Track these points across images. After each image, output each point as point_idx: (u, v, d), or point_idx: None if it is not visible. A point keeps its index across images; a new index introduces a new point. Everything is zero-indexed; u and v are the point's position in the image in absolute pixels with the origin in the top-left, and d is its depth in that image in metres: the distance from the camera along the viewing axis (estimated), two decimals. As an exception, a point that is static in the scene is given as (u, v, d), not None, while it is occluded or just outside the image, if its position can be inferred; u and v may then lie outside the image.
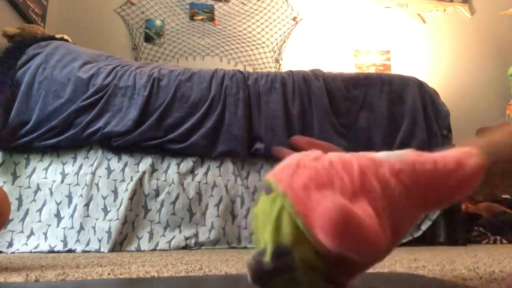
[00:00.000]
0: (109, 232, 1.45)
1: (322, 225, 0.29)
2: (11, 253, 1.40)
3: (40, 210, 1.50)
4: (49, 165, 1.57)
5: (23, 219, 1.48)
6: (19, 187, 1.52)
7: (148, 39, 2.93)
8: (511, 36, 3.37)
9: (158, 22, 2.97)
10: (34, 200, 1.51)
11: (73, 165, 1.57)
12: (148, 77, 1.64)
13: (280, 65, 3.06)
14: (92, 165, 1.56)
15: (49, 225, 1.48)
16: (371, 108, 1.76)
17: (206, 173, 1.62)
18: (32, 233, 1.46)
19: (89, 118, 1.56)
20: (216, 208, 1.57)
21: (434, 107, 1.81)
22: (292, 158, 0.41)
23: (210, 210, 1.57)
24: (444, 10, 3.37)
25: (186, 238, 1.51)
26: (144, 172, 1.56)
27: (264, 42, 3.09)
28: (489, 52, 3.33)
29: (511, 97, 2.97)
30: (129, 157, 1.59)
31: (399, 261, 0.86)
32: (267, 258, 0.34)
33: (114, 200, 1.52)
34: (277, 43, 3.11)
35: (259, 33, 3.10)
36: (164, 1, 3.03)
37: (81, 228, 1.46)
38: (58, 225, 1.48)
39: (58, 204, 1.51)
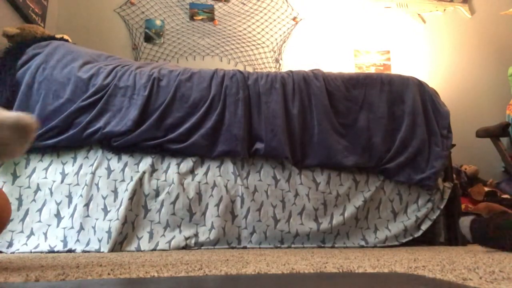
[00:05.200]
0: (109, 232, 1.45)
1: None
2: (11, 253, 1.40)
3: (40, 210, 1.50)
4: (49, 165, 1.57)
5: (23, 219, 1.48)
6: (19, 187, 1.52)
7: (148, 39, 2.93)
8: (511, 36, 3.37)
9: (158, 22, 2.97)
10: (34, 200, 1.51)
11: (73, 165, 1.57)
12: (148, 77, 1.64)
13: (280, 65, 3.06)
14: (92, 165, 1.56)
15: (49, 225, 1.48)
16: (371, 108, 1.76)
17: (206, 173, 1.62)
18: (32, 233, 1.46)
19: (89, 118, 1.56)
20: (216, 208, 1.57)
21: (434, 107, 1.81)
22: None
23: (210, 210, 1.57)
24: (444, 10, 3.37)
25: (186, 238, 1.51)
26: (144, 172, 1.56)
27: (264, 42, 3.09)
28: (489, 52, 3.32)
29: (511, 97, 2.97)
30: (129, 157, 1.59)
31: (399, 261, 0.86)
32: None
33: (114, 200, 1.52)
34: (277, 43, 3.11)
35: (259, 33, 3.10)
36: (164, 1, 3.03)
37: (81, 228, 1.46)
38: (58, 225, 1.48)
39: (58, 204, 1.51)
